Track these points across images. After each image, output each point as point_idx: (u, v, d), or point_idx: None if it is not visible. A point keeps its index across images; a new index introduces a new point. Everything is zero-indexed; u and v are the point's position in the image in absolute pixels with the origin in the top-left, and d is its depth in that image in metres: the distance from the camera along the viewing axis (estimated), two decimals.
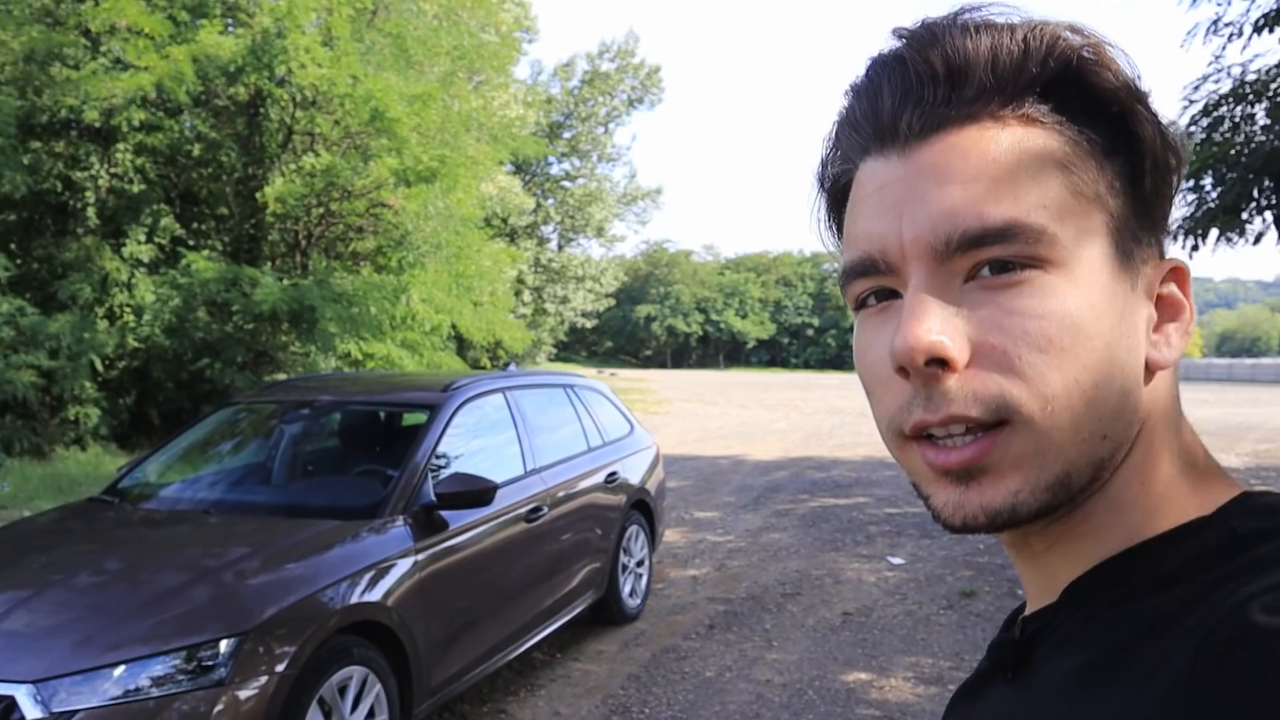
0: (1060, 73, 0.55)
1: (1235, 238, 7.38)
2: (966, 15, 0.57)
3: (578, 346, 74.33)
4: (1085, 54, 0.55)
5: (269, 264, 13.89)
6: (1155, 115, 0.56)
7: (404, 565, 3.65)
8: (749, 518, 9.36)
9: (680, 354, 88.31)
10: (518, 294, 27.36)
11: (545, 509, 4.74)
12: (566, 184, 33.48)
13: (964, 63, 0.55)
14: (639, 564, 6.04)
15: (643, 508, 6.14)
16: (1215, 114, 6.85)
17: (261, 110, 13.70)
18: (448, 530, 3.97)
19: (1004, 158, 0.54)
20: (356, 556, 3.50)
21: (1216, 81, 6.88)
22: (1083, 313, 0.53)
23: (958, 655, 5.31)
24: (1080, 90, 0.55)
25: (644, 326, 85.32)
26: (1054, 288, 0.53)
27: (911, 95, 0.56)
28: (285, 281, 12.60)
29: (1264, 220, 7.01)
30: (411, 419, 4.83)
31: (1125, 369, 0.54)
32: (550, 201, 32.39)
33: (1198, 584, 0.49)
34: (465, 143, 15.70)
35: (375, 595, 3.46)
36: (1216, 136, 6.78)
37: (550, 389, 5.69)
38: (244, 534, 3.68)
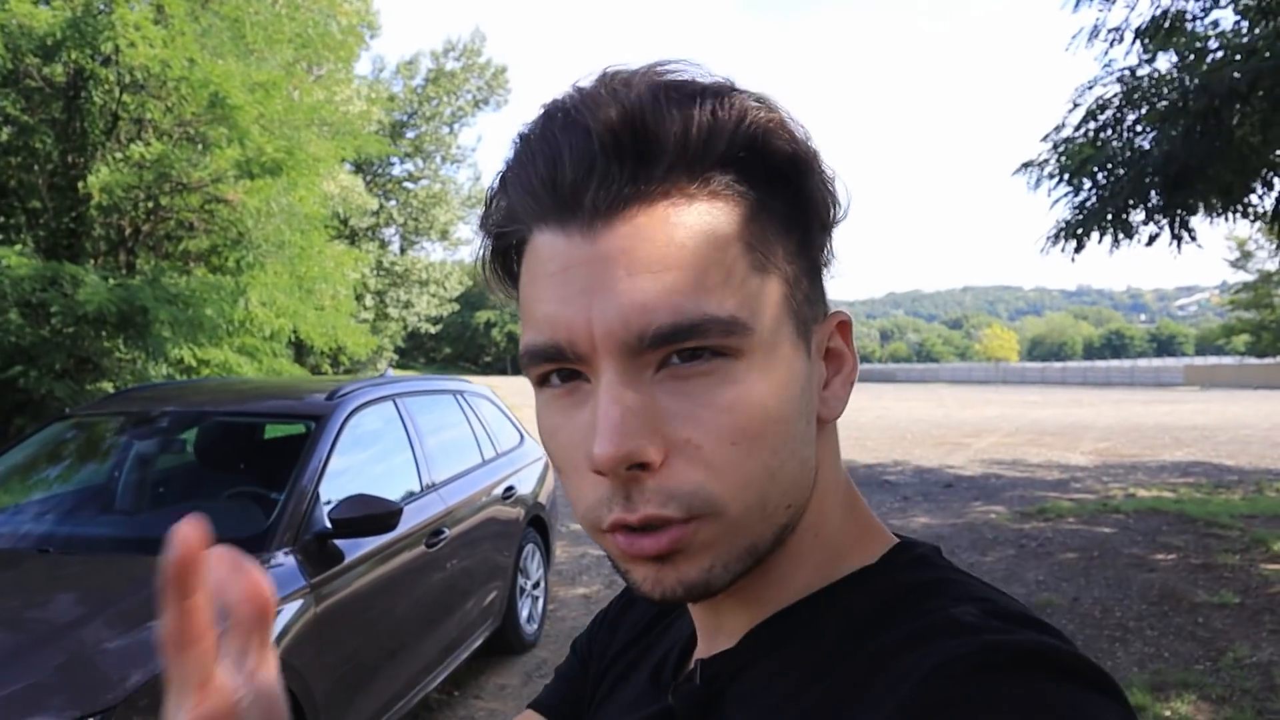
0: (746, 144, 0.54)
1: (1123, 239, 7.51)
2: (654, 78, 0.55)
3: (416, 353, 72.50)
4: (769, 125, 0.55)
5: (91, 262, 12.59)
6: (827, 176, 0.57)
7: (294, 608, 3.09)
8: None
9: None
10: (359, 298, 26.15)
11: (446, 531, 4.23)
12: (409, 185, 32.35)
13: (653, 138, 0.53)
14: (535, 585, 5.58)
15: (538, 524, 5.69)
16: (1101, 118, 6.95)
17: (83, 93, 12.40)
18: (343, 562, 3.42)
19: (692, 242, 0.53)
20: None
21: (1105, 85, 6.99)
22: (770, 399, 0.53)
23: None
24: (762, 160, 0.55)
25: (484, 333, 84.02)
26: (743, 376, 0.53)
27: (596, 170, 0.52)
28: (111, 281, 11.41)
29: (1157, 223, 7.14)
30: (285, 432, 4.22)
31: (803, 437, 0.56)
32: (392, 203, 31.19)
33: (876, 644, 0.51)
34: (308, 138, 14.73)
35: None
36: (1099, 139, 6.88)
37: (439, 395, 5.15)
38: (92, 578, 3.02)
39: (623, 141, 0.52)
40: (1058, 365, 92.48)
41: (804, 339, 0.57)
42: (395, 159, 30.90)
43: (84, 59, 11.38)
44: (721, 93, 0.54)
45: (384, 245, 31.60)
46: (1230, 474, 12.70)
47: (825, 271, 0.60)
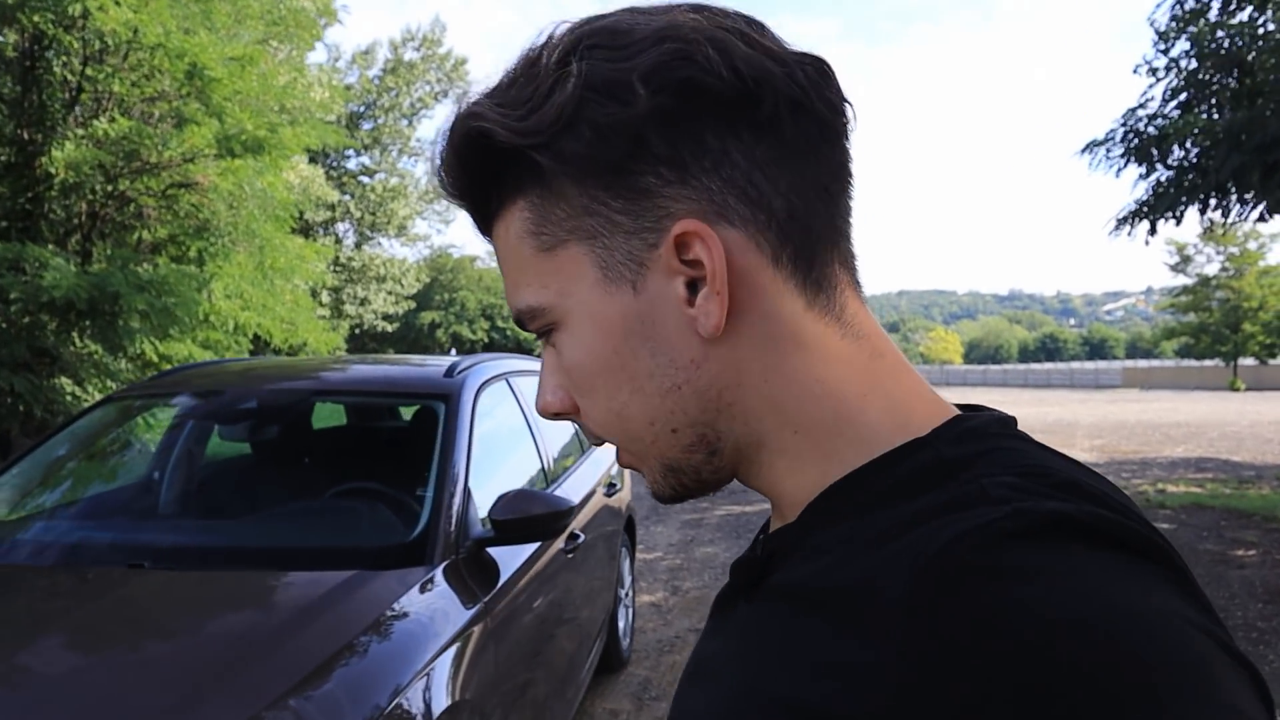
0: (481, 159, 0.58)
1: (1222, 215, 7.07)
2: (449, 121, 0.60)
3: (362, 353, 70.93)
4: (478, 130, 0.57)
5: (49, 247, 11.57)
6: (594, 118, 0.55)
7: (475, 635, 2.42)
8: (660, 530, 8.42)
9: None
10: (314, 294, 25.10)
11: (581, 535, 3.57)
12: (364, 179, 31.24)
13: (452, 187, 0.61)
14: (626, 594, 4.93)
15: (629, 523, 5.04)
16: (1184, 93, 6.53)
17: (40, 63, 11.38)
18: (504, 575, 2.75)
19: (502, 250, 0.61)
20: (421, 634, 2.21)
21: (1187, 58, 6.56)
22: (586, 356, 0.59)
23: None
24: (499, 162, 0.58)
25: (428, 333, 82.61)
26: (565, 344, 0.60)
27: (457, 199, 0.62)
28: (73, 267, 10.43)
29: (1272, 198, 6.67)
30: (398, 417, 3.52)
31: (650, 374, 0.58)
32: (347, 197, 30.07)
33: (901, 511, 0.51)
34: (276, 121, 13.82)
35: (457, 693, 2.20)
36: (1189, 114, 6.47)
37: (531, 376, 4.48)
38: (225, 603, 2.31)
39: (444, 182, 0.62)
40: (997, 368, 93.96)
41: (625, 284, 0.58)
42: (352, 151, 29.75)
43: (45, 22, 10.39)
44: (459, 125, 0.58)
45: (339, 240, 30.45)
46: (1245, 469, 12.49)
47: (658, 182, 0.56)
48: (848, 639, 0.47)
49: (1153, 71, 10.02)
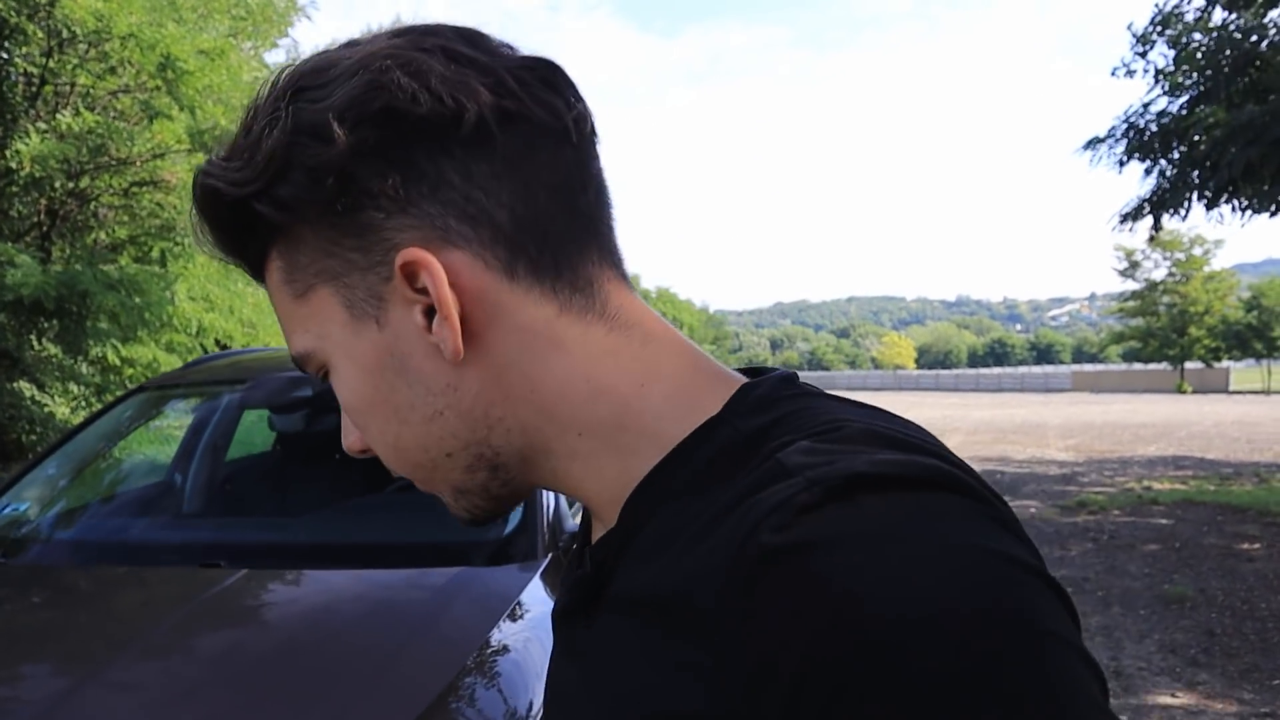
0: (217, 213, 0.58)
1: (1236, 208, 7.07)
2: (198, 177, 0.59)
3: None
4: (208, 191, 0.57)
5: (9, 245, 11.11)
6: (308, 150, 0.54)
7: None
8: None
9: None
10: None
11: None
12: None
13: (204, 238, 0.60)
14: None
15: None
16: (1186, 89, 6.50)
17: (3, 52, 10.94)
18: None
19: (272, 300, 0.61)
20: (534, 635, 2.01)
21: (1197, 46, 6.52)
22: (351, 393, 0.60)
23: None
24: (234, 215, 0.57)
25: None
26: (336, 385, 0.60)
27: (222, 257, 0.61)
28: (36, 264, 10.01)
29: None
30: None
31: (415, 398, 0.58)
32: None
33: (713, 499, 0.50)
34: None
35: None
36: (1197, 109, 6.47)
37: None
38: (350, 599, 2.11)
39: (211, 250, 0.61)
40: (948, 372, 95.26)
41: (370, 314, 0.58)
42: None
43: (8, 10, 9.98)
44: (194, 181, 0.58)
45: None
46: (1222, 466, 12.64)
47: (380, 215, 0.56)
48: (686, 645, 0.46)
49: (1130, 73, 10.14)
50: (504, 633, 1.85)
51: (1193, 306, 56.90)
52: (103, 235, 13.43)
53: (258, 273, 0.61)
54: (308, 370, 0.61)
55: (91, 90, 11.36)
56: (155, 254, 13.46)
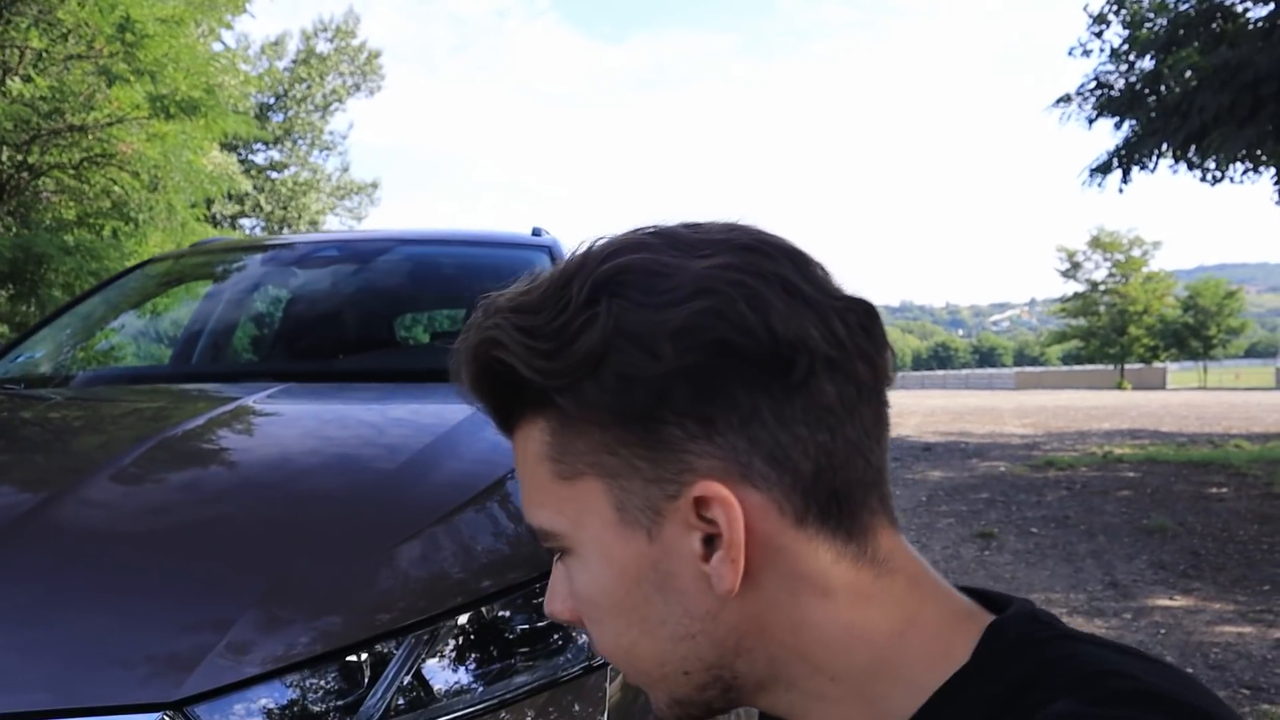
0: (508, 385, 0.57)
1: (1203, 162, 7.19)
2: (471, 331, 0.58)
3: None
4: (497, 358, 0.56)
5: None
6: (618, 365, 0.53)
7: None
8: None
9: None
10: None
11: None
12: (273, 174, 30.24)
13: (466, 387, 0.59)
14: None
15: None
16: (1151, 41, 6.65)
17: None
18: None
19: (522, 465, 0.59)
20: None
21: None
22: (595, 590, 0.57)
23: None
24: (520, 386, 0.56)
25: None
26: (576, 570, 0.58)
27: (473, 405, 0.61)
28: None
29: (1253, 149, 6.80)
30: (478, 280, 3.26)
31: (667, 615, 0.56)
32: (257, 191, 29.04)
33: None
34: (214, 81, 13.12)
35: None
36: (1168, 59, 6.61)
37: None
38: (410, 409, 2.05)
39: (466, 397, 0.60)
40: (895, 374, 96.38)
41: (643, 524, 0.56)
42: (261, 145, 28.76)
43: None
44: (476, 337, 0.57)
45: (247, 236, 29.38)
46: (1177, 437, 12.93)
47: (682, 435, 0.54)
48: None
49: (1086, 53, 10.37)
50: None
51: (1132, 306, 58.30)
52: (49, 218, 13.05)
53: (504, 426, 0.61)
54: (541, 543, 0.60)
55: (46, 54, 11.03)
56: (107, 233, 13.13)
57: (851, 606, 0.56)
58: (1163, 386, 56.57)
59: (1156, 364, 61.34)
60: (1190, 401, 25.63)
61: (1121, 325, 58.63)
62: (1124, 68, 7.53)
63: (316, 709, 1.13)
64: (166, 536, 1.30)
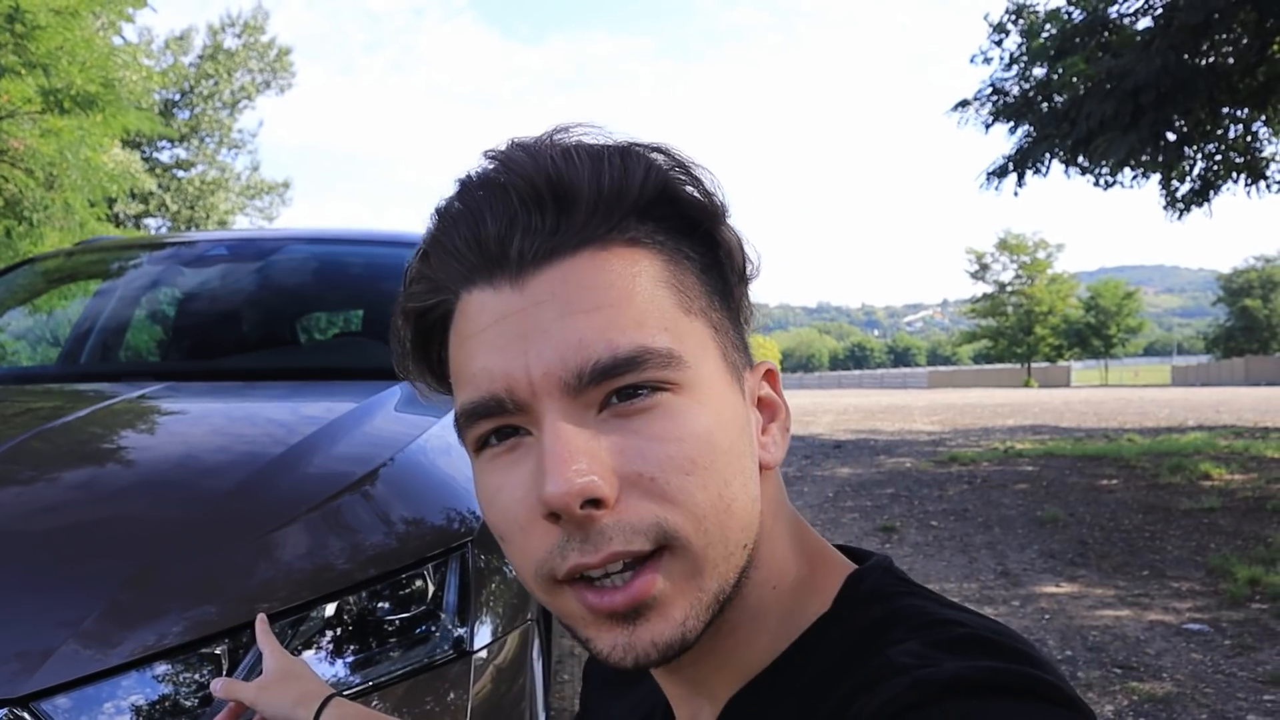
0: (657, 194, 0.56)
1: (1091, 166, 7.48)
2: (562, 137, 0.57)
3: None
4: (676, 174, 0.56)
5: None
6: (736, 230, 0.59)
7: None
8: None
9: None
10: None
11: None
12: (179, 172, 29.40)
13: (570, 188, 0.54)
14: None
15: None
16: (1047, 49, 6.92)
17: None
18: None
19: (619, 283, 0.54)
20: None
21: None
22: (714, 429, 0.54)
23: None
24: (674, 209, 0.57)
25: None
26: (685, 409, 0.53)
27: (519, 222, 0.54)
28: None
29: (1136, 152, 7.11)
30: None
31: (750, 476, 0.56)
32: (162, 190, 28.17)
33: (835, 700, 0.51)
34: (112, 76, 12.70)
35: None
36: (1057, 68, 6.87)
37: None
38: (288, 405, 2.03)
39: (541, 194, 0.54)
40: (811, 374, 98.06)
41: (736, 383, 0.58)
42: (167, 143, 27.91)
43: None
44: (625, 148, 0.56)
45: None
46: (1075, 432, 13.41)
47: (745, 326, 0.62)
48: None
49: (987, 60, 10.73)
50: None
51: (1038, 307, 60.27)
52: None
53: (576, 233, 0.54)
54: (625, 372, 0.52)
55: None
56: (0, 232, 12.64)
57: (784, 532, 0.61)
58: (1067, 384, 58.55)
59: (1061, 362, 63.50)
60: (1090, 398, 26.59)
61: (1028, 325, 60.57)
62: (1018, 74, 7.84)
63: (172, 701, 1.13)
64: (24, 531, 1.29)
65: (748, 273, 0.61)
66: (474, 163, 0.58)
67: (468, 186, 0.56)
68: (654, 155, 0.56)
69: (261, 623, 0.95)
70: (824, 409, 21.73)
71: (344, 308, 3.04)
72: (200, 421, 1.86)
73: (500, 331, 0.54)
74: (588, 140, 0.56)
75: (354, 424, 1.75)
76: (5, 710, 1.03)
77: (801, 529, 0.63)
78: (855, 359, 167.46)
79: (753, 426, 0.59)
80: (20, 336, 3.23)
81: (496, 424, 0.55)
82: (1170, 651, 3.59)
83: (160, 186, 28.00)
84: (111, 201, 23.54)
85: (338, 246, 2.99)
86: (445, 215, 0.57)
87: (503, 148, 0.57)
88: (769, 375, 0.62)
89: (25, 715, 1.03)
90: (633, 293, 0.53)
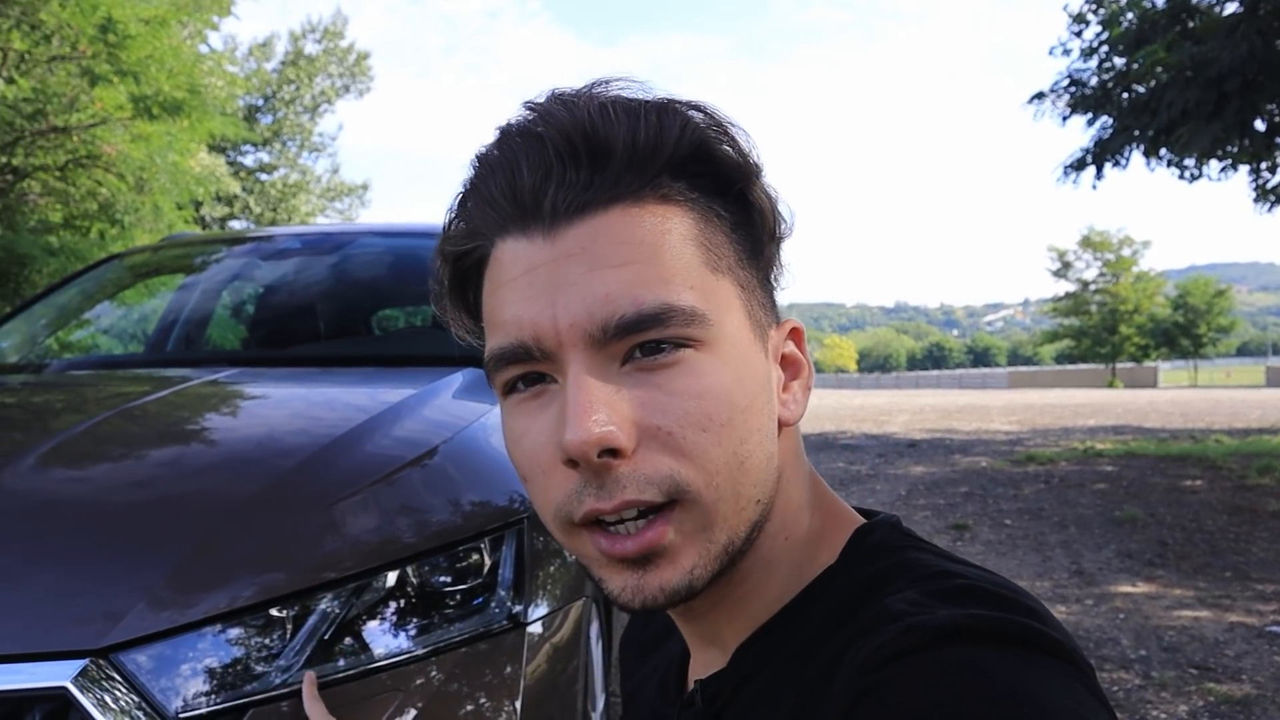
0: (691, 151, 0.57)
1: (1174, 159, 7.26)
2: (600, 91, 0.57)
3: None
4: (712, 133, 0.57)
5: None
6: (770, 189, 0.61)
7: None
8: None
9: None
10: None
11: None
12: (262, 175, 30.22)
13: (605, 143, 0.55)
14: None
15: None
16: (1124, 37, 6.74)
17: None
18: None
19: (649, 239, 0.55)
20: None
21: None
22: (733, 387, 0.55)
23: None
24: (708, 167, 0.58)
25: None
26: (706, 365, 0.55)
27: (553, 175, 0.55)
28: None
29: (1223, 141, 6.89)
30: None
31: (767, 433, 0.58)
32: (246, 193, 29.01)
33: (834, 645, 0.53)
34: (197, 83, 13.14)
35: None
36: (1137, 58, 6.69)
37: None
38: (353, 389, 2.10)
39: (576, 148, 0.55)
40: (888, 375, 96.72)
41: (761, 341, 0.59)
42: (250, 147, 28.72)
43: None
44: (663, 104, 0.57)
45: None
46: (1159, 432, 13.01)
47: (775, 284, 0.63)
48: None
49: (1066, 52, 10.47)
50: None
51: (1122, 305, 58.48)
52: (34, 220, 13.05)
53: (608, 188, 0.55)
54: (649, 329, 0.54)
55: (28, 56, 11.05)
56: (94, 235, 13.14)
57: (800, 486, 0.63)
58: (1154, 385, 56.73)
59: (1148, 363, 61.53)
60: (1177, 399, 25.75)
61: (1113, 324, 58.82)
62: (1096, 65, 7.63)
63: (238, 658, 1.19)
64: (103, 500, 1.36)
65: (779, 232, 0.62)
66: (515, 112, 0.59)
67: (507, 135, 0.58)
68: (691, 112, 0.57)
69: (309, 684, 0.97)
70: (899, 408, 21.44)
71: (413, 297, 3.11)
72: (270, 402, 1.93)
73: (531, 281, 0.55)
74: (626, 95, 0.57)
75: (415, 406, 1.80)
76: (88, 660, 1.09)
77: (817, 484, 0.65)
78: (933, 359, 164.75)
79: (774, 384, 0.60)
80: (109, 329, 3.37)
81: (524, 370, 0.57)
82: (1251, 654, 3.48)
83: (244, 189, 28.81)
84: (198, 204, 24.31)
85: (408, 239, 3.07)
86: (484, 162, 0.59)
87: (542, 100, 0.58)
88: (794, 333, 0.64)
89: (106, 666, 1.10)
90: (661, 250, 0.55)
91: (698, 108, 0.58)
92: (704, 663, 0.65)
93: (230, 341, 3.43)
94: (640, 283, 0.54)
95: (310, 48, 30.11)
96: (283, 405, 1.89)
